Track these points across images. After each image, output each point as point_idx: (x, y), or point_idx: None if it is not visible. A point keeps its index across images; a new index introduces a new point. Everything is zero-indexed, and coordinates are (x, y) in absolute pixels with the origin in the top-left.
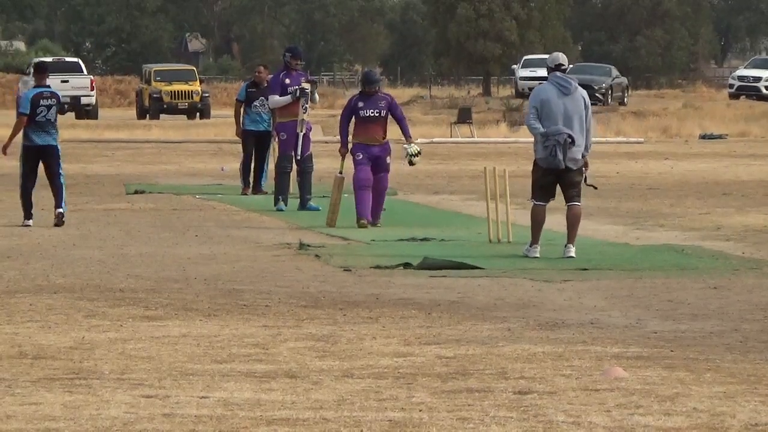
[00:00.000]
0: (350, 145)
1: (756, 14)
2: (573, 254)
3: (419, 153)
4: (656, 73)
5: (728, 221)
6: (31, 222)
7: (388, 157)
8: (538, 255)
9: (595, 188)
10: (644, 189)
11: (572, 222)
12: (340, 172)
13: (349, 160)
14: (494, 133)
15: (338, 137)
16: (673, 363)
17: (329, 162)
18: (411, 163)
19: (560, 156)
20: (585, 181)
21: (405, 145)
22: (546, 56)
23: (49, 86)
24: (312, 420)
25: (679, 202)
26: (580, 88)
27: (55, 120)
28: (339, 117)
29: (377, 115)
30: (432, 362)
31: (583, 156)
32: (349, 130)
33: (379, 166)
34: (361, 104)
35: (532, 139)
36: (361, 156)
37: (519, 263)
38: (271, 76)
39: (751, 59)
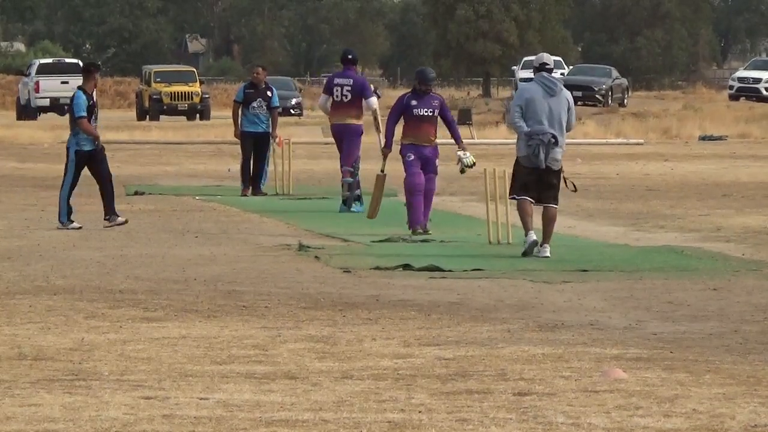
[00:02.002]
0: (398, 146)
1: (756, 15)
2: (548, 254)
3: (474, 164)
4: (656, 74)
5: (728, 222)
6: (74, 224)
7: (437, 159)
8: (534, 237)
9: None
10: (644, 190)
11: (547, 222)
12: (382, 171)
13: (391, 161)
14: (494, 134)
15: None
16: (673, 364)
17: (330, 165)
18: (462, 171)
19: (542, 156)
20: (565, 183)
21: (459, 152)
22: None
23: (82, 89)
24: (311, 421)
25: (679, 204)
26: (565, 90)
27: (71, 120)
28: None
29: (431, 114)
30: (431, 363)
31: None
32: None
33: (428, 167)
34: (414, 102)
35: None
36: (412, 157)
37: (519, 264)
38: (268, 77)
39: (751, 60)
